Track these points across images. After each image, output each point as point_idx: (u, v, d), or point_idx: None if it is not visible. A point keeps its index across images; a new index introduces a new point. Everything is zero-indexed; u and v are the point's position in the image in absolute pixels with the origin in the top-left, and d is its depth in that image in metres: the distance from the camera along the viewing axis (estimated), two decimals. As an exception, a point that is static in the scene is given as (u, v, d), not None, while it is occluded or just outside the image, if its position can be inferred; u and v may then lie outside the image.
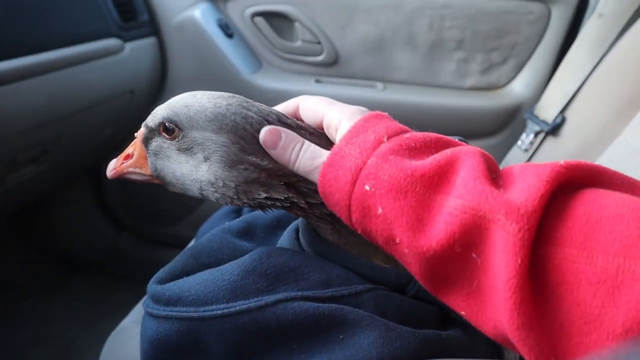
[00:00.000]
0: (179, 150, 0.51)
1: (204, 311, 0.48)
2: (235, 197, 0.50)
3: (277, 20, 1.68)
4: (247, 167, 0.49)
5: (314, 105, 0.52)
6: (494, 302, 0.37)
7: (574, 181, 0.39)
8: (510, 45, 1.57)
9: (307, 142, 0.49)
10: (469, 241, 0.38)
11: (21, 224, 2.01)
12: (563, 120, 1.23)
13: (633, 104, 1.00)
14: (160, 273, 0.55)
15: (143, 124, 0.55)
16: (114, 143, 1.80)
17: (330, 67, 1.70)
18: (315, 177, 0.47)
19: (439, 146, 0.45)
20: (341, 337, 0.47)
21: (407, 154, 0.43)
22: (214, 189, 0.50)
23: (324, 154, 0.47)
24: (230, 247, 0.56)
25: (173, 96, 0.53)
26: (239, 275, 0.49)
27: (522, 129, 1.39)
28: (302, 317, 0.46)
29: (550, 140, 1.27)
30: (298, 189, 0.50)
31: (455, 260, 0.39)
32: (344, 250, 0.53)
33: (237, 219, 0.64)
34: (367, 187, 0.42)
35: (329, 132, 0.50)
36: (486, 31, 1.56)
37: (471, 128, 1.61)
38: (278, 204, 0.50)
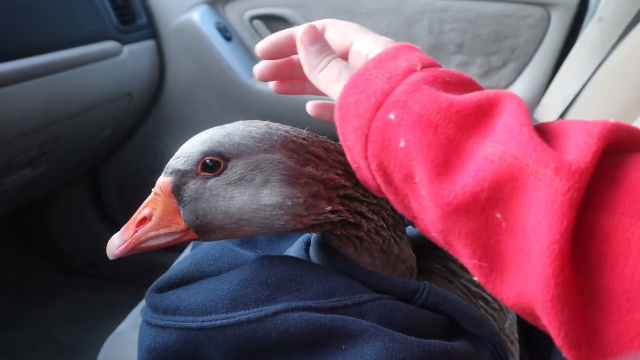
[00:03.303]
0: (228, 184, 0.47)
1: (203, 321, 0.47)
2: (305, 213, 0.48)
3: (276, 23, 1.67)
4: (306, 180, 0.47)
5: (345, 29, 0.47)
6: (522, 269, 0.33)
7: (622, 143, 0.35)
8: (510, 49, 1.57)
9: (340, 59, 0.45)
10: (498, 194, 0.33)
11: (18, 226, 2.00)
12: (563, 124, 1.22)
13: (633, 107, 0.99)
14: (159, 281, 0.54)
15: (165, 172, 0.49)
16: (111, 145, 1.79)
17: (329, 70, 1.69)
18: (335, 93, 0.43)
19: (474, 87, 0.40)
20: (344, 347, 0.46)
21: (442, 87, 0.38)
22: (283, 211, 0.47)
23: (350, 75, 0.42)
24: (232, 255, 0.55)
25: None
26: (239, 285, 0.48)
27: (521, 132, 1.38)
28: (303, 327, 0.46)
29: (550, 145, 1.26)
30: (346, 204, 0.49)
31: (474, 217, 0.34)
32: (352, 261, 0.52)
33: None
34: (391, 116, 0.38)
35: (356, 59, 0.46)
36: (486, 34, 1.56)
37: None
38: (337, 218, 0.49)
